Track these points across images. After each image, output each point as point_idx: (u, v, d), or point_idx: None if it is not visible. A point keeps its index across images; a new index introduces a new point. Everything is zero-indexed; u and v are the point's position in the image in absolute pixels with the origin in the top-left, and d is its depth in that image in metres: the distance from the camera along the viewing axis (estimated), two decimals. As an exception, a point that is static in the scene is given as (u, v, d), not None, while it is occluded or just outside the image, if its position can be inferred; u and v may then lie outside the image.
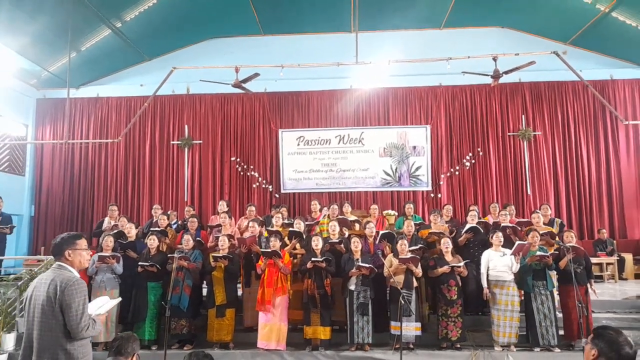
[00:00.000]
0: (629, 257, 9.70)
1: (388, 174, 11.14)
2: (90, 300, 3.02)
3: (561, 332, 5.91)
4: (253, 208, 7.75)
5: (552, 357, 5.69)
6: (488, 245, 6.32)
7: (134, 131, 11.47)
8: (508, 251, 6.00)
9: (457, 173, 11.05)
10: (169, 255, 6.33)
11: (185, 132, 11.55)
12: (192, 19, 10.70)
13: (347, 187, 11.18)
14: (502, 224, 6.72)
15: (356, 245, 6.15)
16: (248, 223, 7.06)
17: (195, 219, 7.23)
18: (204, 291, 6.62)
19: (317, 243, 6.19)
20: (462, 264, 5.97)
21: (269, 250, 6.06)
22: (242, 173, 11.35)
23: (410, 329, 5.74)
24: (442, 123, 11.24)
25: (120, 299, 4.08)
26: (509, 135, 11.08)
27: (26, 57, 10.31)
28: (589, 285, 6.02)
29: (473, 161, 11.06)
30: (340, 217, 7.22)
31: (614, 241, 10.02)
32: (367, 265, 5.85)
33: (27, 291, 2.92)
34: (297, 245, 6.64)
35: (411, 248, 6.16)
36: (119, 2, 9.70)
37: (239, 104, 11.57)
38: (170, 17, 10.42)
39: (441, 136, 11.20)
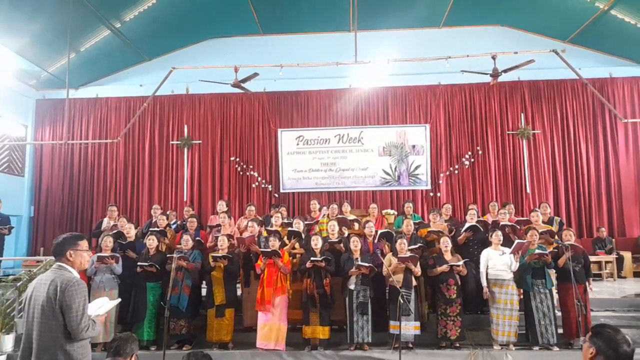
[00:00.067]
0: (627, 256, 9.70)
1: (387, 173, 11.15)
2: (89, 301, 3.02)
3: (560, 331, 5.92)
4: (253, 208, 7.76)
5: (550, 356, 5.69)
6: (487, 244, 6.32)
7: (133, 131, 11.47)
8: (507, 250, 6.01)
9: (456, 172, 11.06)
10: (168, 256, 6.33)
11: (185, 132, 11.55)
12: (192, 19, 10.69)
13: (346, 186, 11.18)
14: (502, 223, 6.72)
15: (356, 244, 6.15)
16: (247, 223, 7.07)
17: (195, 219, 7.24)
18: (203, 291, 6.62)
19: (316, 242, 6.20)
20: (461, 262, 5.98)
21: (269, 249, 6.06)
22: (241, 173, 11.35)
23: (409, 328, 5.75)
24: (441, 122, 11.24)
25: (119, 299, 4.08)
26: (508, 134, 11.08)
27: (25, 58, 10.30)
28: (587, 283, 6.03)
29: (472, 160, 11.06)
30: (339, 216, 7.23)
31: (613, 239, 10.03)
32: (367, 264, 5.85)
33: (27, 292, 2.93)
34: (296, 245, 6.64)
35: (410, 247, 6.17)
36: (118, 3, 9.69)
37: (238, 104, 11.57)
38: (169, 17, 10.41)
39: (440, 135, 11.20)
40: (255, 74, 8.48)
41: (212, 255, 6.20)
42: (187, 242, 6.45)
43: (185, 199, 11.24)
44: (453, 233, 6.82)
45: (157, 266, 6.23)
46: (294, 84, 11.12)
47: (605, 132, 10.90)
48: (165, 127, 11.63)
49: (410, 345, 5.83)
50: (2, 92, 10.63)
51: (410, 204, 7.72)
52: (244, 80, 8.51)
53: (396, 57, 9.40)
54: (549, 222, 7.23)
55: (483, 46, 9.42)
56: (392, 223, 7.90)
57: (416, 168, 11.11)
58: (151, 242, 6.46)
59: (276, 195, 11.22)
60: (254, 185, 11.26)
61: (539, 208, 7.33)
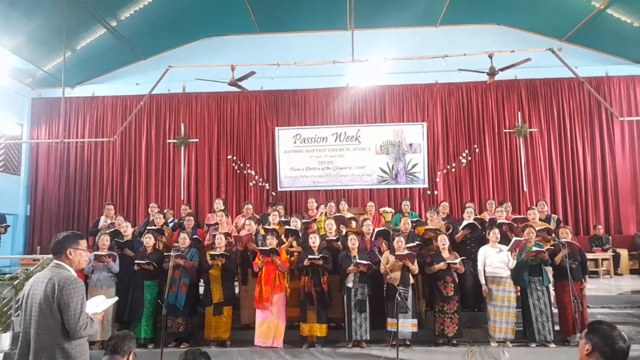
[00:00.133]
0: (624, 253, 9.75)
1: (384, 172, 11.16)
2: (86, 299, 3.02)
3: (557, 328, 5.94)
4: (250, 206, 7.76)
5: (547, 353, 5.72)
6: (485, 241, 6.34)
7: (129, 130, 11.44)
8: (504, 247, 6.03)
9: (453, 170, 11.08)
10: (165, 254, 6.33)
11: (182, 130, 11.53)
12: (188, 17, 10.65)
13: (343, 184, 11.18)
14: (499, 221, 6.73)
15: (353, 242, 6.16)
16: (245, 221, 7.06)
17: (192, 218, 7.23)
18: (201, 289, 6.61)
19: (314, 241, 6.20)
20: (458, 260, 6.00)
21: (267, 248, 6.06)
22: (238, 171, 11.34)
23: (406, 325, 5.76)
24: (438, 120, 11.26)
25: (116, 298, 4.07)
26: (505, 132, 11.11)
27: (21, 56, 10.25)
28: (583, 280, 6.06)
29: (469, 158, 11.08)
30: (337, 214, 7.24)
31: (610, 237, 10.08)
32: (365, 262, 5.86)
33: (24, 290, 2.92)
34: (294, 243, 6.64)
35: (408, 245, 6.18)
36: (114, 1, 9.65)
37: (235, 103, 11.55)
38: (165, 16, 10.37)
39: (437, 133, 11.21)
40: (252, 73, 8.47)
41: (209, 254, 6.20)
42: (184, 240, 6.44)
43: (182, 198, 11.23)
44: (450, 231, 6.84)
45: (154, 264, 6.23)
46: (291, 82, 11.11)
47: (601, 130, 10.94)
48: (161, 125, 11.60)
49: (408, 343, 5.85)
50: (-2, 91, 10.60)
51: (408, 202, 7.74)
52: (241, 79, 8.50)
53: (393, 55, 9.40)
54: (547, 219, 7.24)
55: (480, 45, 9.44)
56: (389, 221, 7.91)
57: (413, 166, 11.13)
58: (148, 240, 6.45)
59: (273, 193, 11.21)
60: (251, 184, 11.25)
61: (536, 206, 7.35)
